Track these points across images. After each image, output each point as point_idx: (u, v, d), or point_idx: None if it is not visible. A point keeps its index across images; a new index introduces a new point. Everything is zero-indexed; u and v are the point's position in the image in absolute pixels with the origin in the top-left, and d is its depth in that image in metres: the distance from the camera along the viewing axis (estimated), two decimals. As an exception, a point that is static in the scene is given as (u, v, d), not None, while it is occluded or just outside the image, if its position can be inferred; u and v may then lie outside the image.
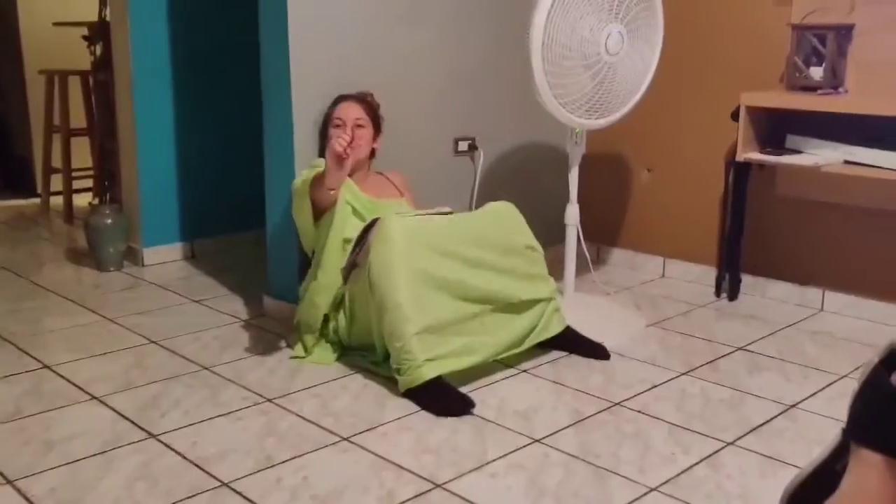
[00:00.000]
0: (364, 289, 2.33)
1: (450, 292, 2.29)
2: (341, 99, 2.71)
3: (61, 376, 2.39)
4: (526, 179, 3.48)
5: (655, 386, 2.35)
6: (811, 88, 2.83)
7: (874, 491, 0.81)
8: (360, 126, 2.65)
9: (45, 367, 2.46)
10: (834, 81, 2.83)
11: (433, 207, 2.59)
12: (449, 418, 2.12)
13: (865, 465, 0.82)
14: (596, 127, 2.72)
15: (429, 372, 2.17)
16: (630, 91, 2.69)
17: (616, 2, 2.54)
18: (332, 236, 2.46)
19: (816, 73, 2.83)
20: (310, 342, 2.52)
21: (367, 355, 2.47)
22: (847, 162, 2.68)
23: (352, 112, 2.66)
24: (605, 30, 2.54)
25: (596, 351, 2.54)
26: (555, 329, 2.52)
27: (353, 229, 2.50)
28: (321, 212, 2.50)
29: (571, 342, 2.57)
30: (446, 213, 2.53)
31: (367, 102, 2.72)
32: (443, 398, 2.16)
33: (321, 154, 2.73)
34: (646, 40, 2.66)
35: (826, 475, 0.88)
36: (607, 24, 2.54)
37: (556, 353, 2.55)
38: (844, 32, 2.82)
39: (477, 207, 2.99)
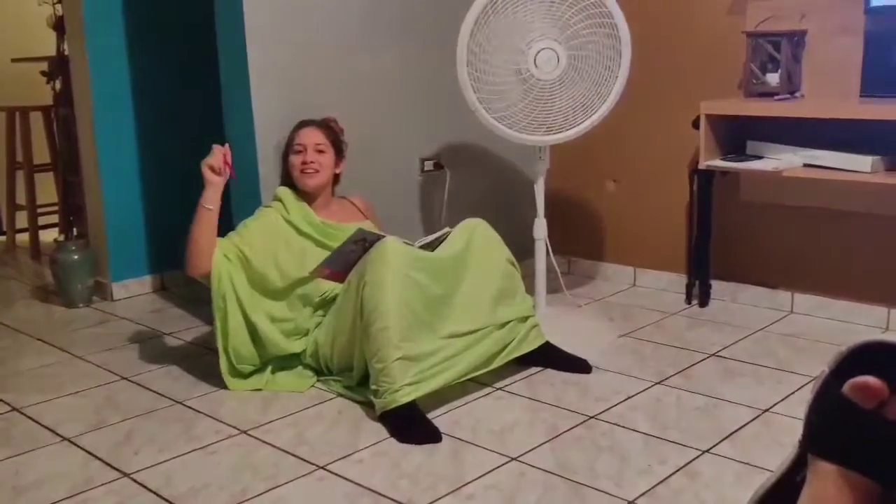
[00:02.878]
0: (350, 306, 2.32)
1: (436, 332, 2.30)
2: (302, 124, 2.70)
3: (30, 418, 2.35)
4: (493, 196, 3.50)
5: (630, 397, 2.36)
6: (768, 94, 2.87)
7: (831, 501, 0.81)
8: (320, 151, 2.65)
9: (14, 409, 2.42)
10: (790, 87, 2.87)
11: (418, 232, 2.61)
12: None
13: (821, 476, 0.83)
14: (542, 143, 2.73)
15: (405, 397, 2.17)
16: (583, 111, 2.66)
17: (547, 23, 2.56)
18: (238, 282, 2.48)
19: (773, 79, 2.87)
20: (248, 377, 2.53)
21: (342, 380, 2.46)
22: (807, 165, 2.72)
23: (312, 137, 2.66)
24: (535, 47, 2.57)
25: (577, 366, 2.55)
26: (532, 344, 2.52)
27: (315, 259, 2.49)
28: (200, 260, 2.46)
29: (551, 358, 2.57)
30: (445, 234, 2.53)
31: (329, 127, 2.72)
32: (410, 426, 2.15)
33: (283, 182, 2.73)
34: (606, 66, 2.62)
35: (786, 488, 0.89)
36: (538, 41, 2.57)
37: (530, 370, 2.55)
38: (797, 38, 2.87)
39: (448, 226, 3.00)
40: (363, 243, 2.39)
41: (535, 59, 2.57)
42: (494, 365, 2.43)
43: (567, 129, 2.68)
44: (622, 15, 2.60)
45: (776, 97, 2.83)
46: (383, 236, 2.37)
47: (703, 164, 2.89)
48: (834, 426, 0.83)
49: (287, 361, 2.57)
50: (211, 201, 2.44)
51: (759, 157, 2.86)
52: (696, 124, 2.91)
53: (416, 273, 2.28)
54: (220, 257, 2.46)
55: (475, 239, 2.48)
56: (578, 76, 2.62)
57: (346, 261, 2.42)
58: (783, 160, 2.77)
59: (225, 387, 2.51)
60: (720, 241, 3.19)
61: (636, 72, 3.30)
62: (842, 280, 2.97)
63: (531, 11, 2.57)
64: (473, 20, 2.59)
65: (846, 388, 0.85)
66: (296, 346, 2.53)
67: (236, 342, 2.47)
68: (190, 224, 2.45)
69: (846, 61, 2.80)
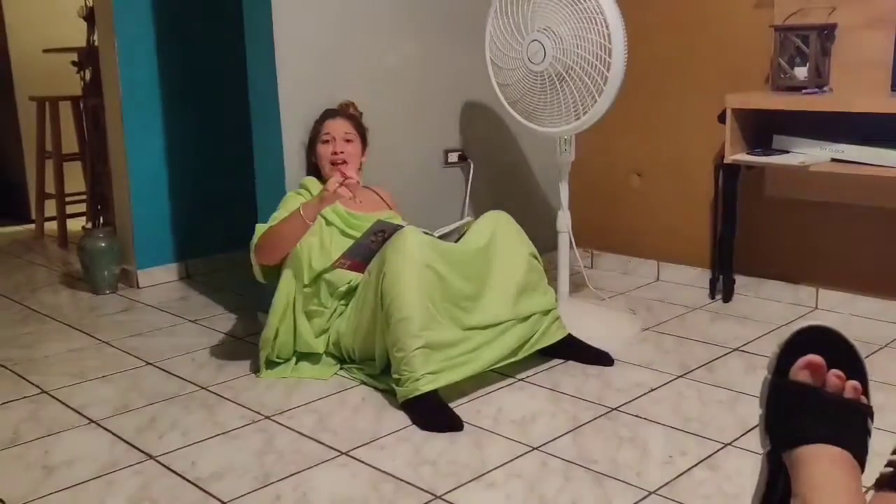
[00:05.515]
0: (370, 297, 2.34)
1: (457, 323, 2.31)
2: (328, 115, 2.72)
3: (59, 401, 2.39)
4: (517, 188, 3.50)
5: (652, 389, 2.36)
6: (796, 88, 2.85)
7: (827, 478, 0.85)
8: (348, 141, 2.67)
9: (43, 392, 2.46)
10: (818, 81, 2.85)
11: (447, 222, 2.62)
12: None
13: (804, 462, 0.87)
14: (541, 134, 2.74)
15: (426, 385, 2.18)
16: (574, 108, 2.61)
17: (546, 16, 2.57)
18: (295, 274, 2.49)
19: (801, 73, 2.85)
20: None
21: (365, 368, 2.48)
22: (834, 160, 2.69)
23: (341, 127, 2.68)
24: (528, 38, 2.60)
25: (599, 358, 2.55)
26: (554, 337, 2.52)
27: (339, 249, 2.50)
28: (278, 256, 2.50)
29: (573, 350, 2.57)
30: (467, 223, 2.54)
31: (354, 117, 2.74)
32: (432, 414, 2.16)
33: (309, 172, 2.75)
34: (599, 59, 2.52)
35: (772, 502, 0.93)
36: (534, 33, 2.59)
37: (552, 362, 2.56)
38: (827, 32, 2.84)
39: (470, 217, 3.01)
40: (382, 234, 2.40)
41: (527, 51, 2.58)
42: (516, 358, 2.43)
43: (561, 125, 2.67)
44: (615, 12, 2.49)
45: (804, 91, 2.81)
46: (402, 227, 2.38)
47: (728, 159, 2.88)
48: (795, 410, 0.90)
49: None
50: (314, 218, 2.46)
51: (786, 152, 2.84)
52: (721, 118, 2.89)
53: (436, 264, 2.29)
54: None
55: (498, 232, 2.49)
56: (565, 71, 2.57)
57: (366, 252, 2.44)
58: (810, 155, 2.75)
59: (248, 373, 2.54)
60: (745, 236, 3.17)
61: (663, 63, 3.30)
62: (867, 276, 2.94)
63: (537, 3, 2.59)
64: (494, 10, 2.68)
65: (793, 373, 0.93)
66: (321, 344, 2.54)
67: (284, 339, 2.49)
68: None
69: (877, 55, 2.77)
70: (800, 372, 0.90)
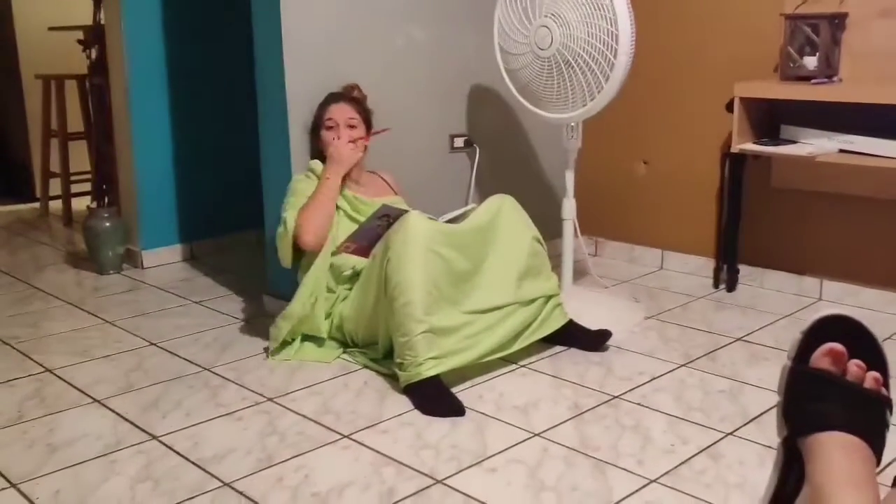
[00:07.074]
0: (374, 281, 2.34)
1: (460, 308, 2.31)
2: (331, 99, 2.71)
3: (63, 380, 2.40)
4: (522, 174, 3.49)
5: (654, 378, 2.36)
6: (805, 78, 2.83)
7: (842, 466, 0.85)
8: (352, 126, 2.66)
9: (47, 370, 2.47)
10: (828, 70, 2.83)
11: (450, 207, 2.62)
12: (448, 414, 2.14)
13: (822, 448, 0.87)
14: (560, 121, 2.73)
15: (428, 370, 2.18)
16: (581, 95, 2.60)
17: (546, 4, 2.57)
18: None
19: (810, 62, 2.83)
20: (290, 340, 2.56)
21: (368, 352, 2.48)
22: (842, 151, 2.68)
23: (344, 112, 2.66)
24: (537, 23, 2.59)
25: (598, 339, 2.54)
26: (555, 324, 2.52)
27: (344, 233, 2.50)
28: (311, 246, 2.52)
29: (574, 336, 2.56)
30: (470, 210, 2.53)
31: (357, 100, 2.72)
32: (434, 399, 2.17)
33: (314, 155, 2.74)
34: (606, 45, 2.50)
35: (784, 495, 0.93)
36: (542, 18, 2.58)
37: (554, 348, 2.56)
38: (838, 21, 2.82)
39: (475, 203, 3.00)
40: (387, 219, 2.40)
41: (535, 36, 2.58)
42: (517, 346, 2.42)
43: (567, 111, 2.66)
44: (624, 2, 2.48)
45: (813, 81, 2.79)
46: (407, 211, 2.38)
47: (735, 148, 2.87)
48: (814, 396, 0.90)
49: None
50: (338, 178, 2.57)
51: (794, 142, 2.82)
52: (729, 107, 2.88)
53: (440, 247, 2.29)
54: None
55: (501, 214, 2.48)
56: (573, 57, 2.55)
57: (371, 236, 2.44)
58: (818, 145, 2.73)
59: (252, 355, 2.55)
60: (750, 226, 3.17)
61: (671, 51, 3.28)
62: (872, 268, 2.93)
63: None
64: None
65: (814, 360, 0.92)
66: (325, 327, 2.55)
67: (306, 314, 2.50)
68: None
69: (888, 45, 2.75)
70: (821, 359, 0.90)
